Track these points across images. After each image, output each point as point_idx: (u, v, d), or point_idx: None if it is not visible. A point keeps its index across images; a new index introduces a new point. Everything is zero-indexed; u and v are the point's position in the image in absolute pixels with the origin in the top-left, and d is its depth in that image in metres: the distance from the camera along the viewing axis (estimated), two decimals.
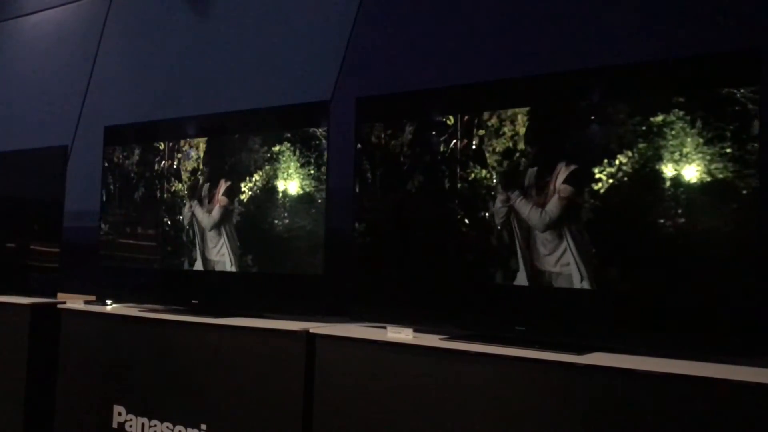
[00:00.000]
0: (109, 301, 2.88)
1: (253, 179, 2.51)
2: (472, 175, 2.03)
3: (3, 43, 4.50)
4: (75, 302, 2.86)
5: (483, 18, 2.59)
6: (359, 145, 2.28)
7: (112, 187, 2.97)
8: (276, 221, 2.44)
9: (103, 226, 2.98)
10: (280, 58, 3.14)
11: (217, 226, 2.61)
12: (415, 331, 2.00)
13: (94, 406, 2.68)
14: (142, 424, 2.53)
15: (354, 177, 2.28)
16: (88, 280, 3.14)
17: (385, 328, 2.06)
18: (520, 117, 1.96)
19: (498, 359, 1.78)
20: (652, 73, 1.81)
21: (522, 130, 1.96)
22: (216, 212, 2.62)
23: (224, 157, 2.62)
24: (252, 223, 2.50)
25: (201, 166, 2.71)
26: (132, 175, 2.91)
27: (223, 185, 2.62)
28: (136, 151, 2.90)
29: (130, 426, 2.57)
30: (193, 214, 2.69)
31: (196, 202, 2.70)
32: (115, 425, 2.61)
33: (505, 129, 1.98)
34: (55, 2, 4.22)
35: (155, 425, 2.50)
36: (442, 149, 2.09)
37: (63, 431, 2.79)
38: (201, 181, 2.70)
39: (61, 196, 3.18)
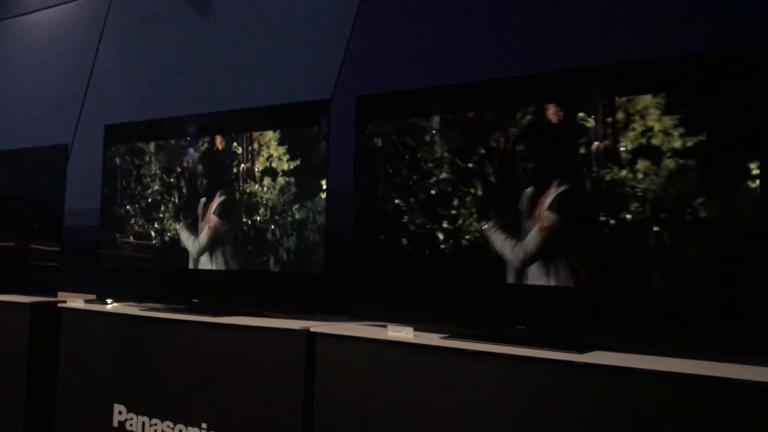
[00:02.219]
0: (109, 300, 2.88)
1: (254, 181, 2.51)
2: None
3: (3, 41, 4.50)
4: (75, 301, 2.86)
5: (484, 16, 2.59)
6: (361, 142, 2.28)
7: (112, 185, 2.97)
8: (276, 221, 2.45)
9: (103, 224, 2.98)
10: (280, 56, 3.14)
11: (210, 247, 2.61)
12: (415, 329, 2.00)
13: (94, 404, 2.68)
14: (143, 423, 2.53)
15: (354, 176, 2.28)
16: (88, 278, 3.14)
17: (385, 326, 2.06)
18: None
19: (498, 358, 1.78)
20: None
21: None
22: (205, 234, 2.60)
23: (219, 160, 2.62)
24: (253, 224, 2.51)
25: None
26: (132, 173, 2.91)
27: (217, 199, 2.60)
28: (137, 150, 2.90)
29: (131, 425, 2.57)
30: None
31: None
32: (115, 424, 2.61)
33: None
34: (55, 1, 4.22)
35: (156, 424, 2.50)
36: (441, 147, 2.09)
37: (63, 430, 2.79)
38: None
39: (62, 194, 3.18)
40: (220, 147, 2.63)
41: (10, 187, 3.46)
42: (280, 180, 2.44)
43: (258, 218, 2.48)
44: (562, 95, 1.89)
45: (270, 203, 2.46)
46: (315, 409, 2.11)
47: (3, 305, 3.01)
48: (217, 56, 3.38)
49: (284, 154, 2.44)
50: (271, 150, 2.47)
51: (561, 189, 1.78)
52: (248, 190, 2.52)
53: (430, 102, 2.15)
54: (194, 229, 2.68)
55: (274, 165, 2.47)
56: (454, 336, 1.97)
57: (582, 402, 1.65)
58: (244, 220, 2.51)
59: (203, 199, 2.67)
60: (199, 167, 2.70)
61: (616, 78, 1.84)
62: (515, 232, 1.91)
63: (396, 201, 2.17)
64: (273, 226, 2.44)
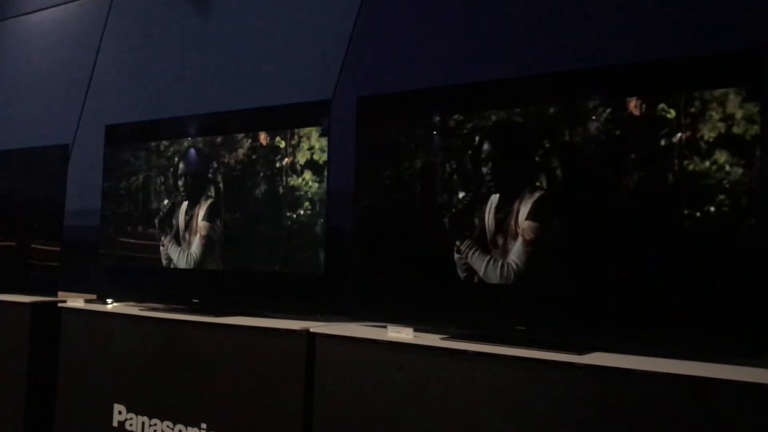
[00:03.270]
0: (109, 300, 2.88)
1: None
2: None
3: (4, 41, 4.51)
4: (75, 301, 2.86)
5: (485, 15, 2.59)
6: (361, 142, 2.28)
7: (112, 185, 2.97)
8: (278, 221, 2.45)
9: (103, 224, 2.99)
10: (281, 57, 3.14)
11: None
12: (415, 330, 2.00)
13: (94, 404, 2.69)
14: (143, 423, 2.53)
15: (355, 176, 2.28)
16: (88, 278, 3.14)
17: (385, 327, 2.06)
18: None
19: (498, 359, 1.78)
20: None
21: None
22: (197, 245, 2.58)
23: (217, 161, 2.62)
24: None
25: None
26: (133, 173, 2.91)
27: (204, 204, 2.57)
28: (137, 150, 2.90)
29: (131, 425, 2.57)
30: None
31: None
32: (115, 424, 2.61)
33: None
34: (56, 1, 4.22)
35: (155, 424, 2.50)
36: (442, 148, 2.10)
37: (63, 429, 2.79)
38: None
39: (62, 194, 3.18)
40: (263, 143, 2.51)
41: (11, 187, 3.47)
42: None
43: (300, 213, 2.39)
44: (560, 96, 1.90)
45: (314, 196, 2.37)
46: (315, 410, 2.11)
47: (3, 305, 3.01)
48: (217, 57, 3.38)
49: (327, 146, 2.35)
50: (312, 141, 2.37)
51: (537, 195, 1.65)
52: (291, 184, 2.41)
53: (430, 103, 2.16)
54: (179, 242, 2.66)
55: (316, 157, 2.37)
56: (454, 337, 1.97)
57: (582, 403, 1.65)
58: (288, 214, 2.43)
59: (185, 204, 2.66)
60: (181, 165, 2.68)
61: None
62: (489, 249, 1.89)
63: (397, 201, 2.18)
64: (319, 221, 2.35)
